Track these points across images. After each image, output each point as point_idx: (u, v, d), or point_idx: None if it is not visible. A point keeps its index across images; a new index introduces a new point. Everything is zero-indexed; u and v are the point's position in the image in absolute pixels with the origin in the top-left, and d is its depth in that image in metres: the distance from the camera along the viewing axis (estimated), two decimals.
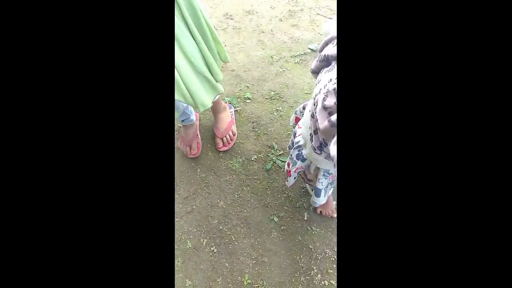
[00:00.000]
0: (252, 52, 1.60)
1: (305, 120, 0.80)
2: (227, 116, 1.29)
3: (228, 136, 1.27)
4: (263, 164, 1.24)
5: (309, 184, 1.08)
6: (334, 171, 0.81)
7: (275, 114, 1.37)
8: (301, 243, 1.07)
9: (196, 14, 0.82)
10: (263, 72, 1.52)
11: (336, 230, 1.10)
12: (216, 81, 0.98)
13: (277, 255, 1.05)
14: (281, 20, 1.74)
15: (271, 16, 1.77)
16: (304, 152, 0.82)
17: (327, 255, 1.04)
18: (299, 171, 0.92)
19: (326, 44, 0.59)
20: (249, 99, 1.43)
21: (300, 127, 0.83)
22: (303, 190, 1.17)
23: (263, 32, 1.69)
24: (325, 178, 0.85)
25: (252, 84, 1.47)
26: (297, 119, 0.92)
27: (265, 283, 1.00)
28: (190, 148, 1.25)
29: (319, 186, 0.89)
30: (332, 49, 0.55)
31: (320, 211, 1.10)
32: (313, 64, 0.62)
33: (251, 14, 1.78)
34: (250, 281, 1.00)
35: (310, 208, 1.13)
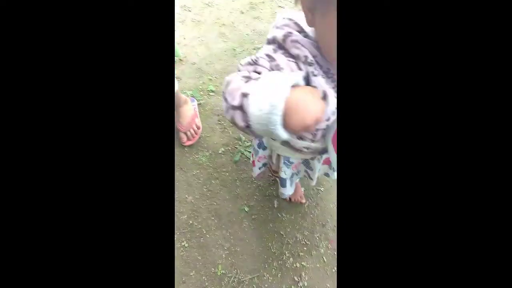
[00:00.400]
0: (213, 44, 1.59)
1: None
2: (189, 110, 1.26)
3: (192, 130, 1.25)
4: (231, 156, 1.24)
5: (275, 176, 1.09)
6: (294, 159, 0.82)
7: None
8: (272, 230, 1.08)
9: None
10: (226, 65, 1.51)
11: (305, 215, 1.12)
12: None
13: (250, 243, 1.05)
14: (242, 13, 1.74)
15: (231, 8, 1.76)
16: (264, 140, 0.83)
17: (297, 239, 1.06)
18: (263, 162, 0.92)
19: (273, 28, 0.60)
20: (213, 92, 1.41)
21: None
22: (272, 179, 1.19)
23: (224, 24, 1.68)
24: (287, 167, 0.86)
25: (215, 77, 1.46)
26: None
27: (238, 271, 1.00)
28: None
29: (283, 175, 0.89)
30: (272, 31, 0.55)
31: (290, 198, 1.12)
32: None
33: (210, 7, 1.76)
34: (223, 271, 1.00)
35: (279, 196, 1.15)
